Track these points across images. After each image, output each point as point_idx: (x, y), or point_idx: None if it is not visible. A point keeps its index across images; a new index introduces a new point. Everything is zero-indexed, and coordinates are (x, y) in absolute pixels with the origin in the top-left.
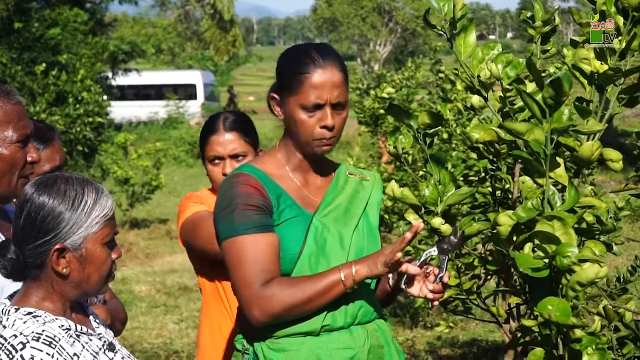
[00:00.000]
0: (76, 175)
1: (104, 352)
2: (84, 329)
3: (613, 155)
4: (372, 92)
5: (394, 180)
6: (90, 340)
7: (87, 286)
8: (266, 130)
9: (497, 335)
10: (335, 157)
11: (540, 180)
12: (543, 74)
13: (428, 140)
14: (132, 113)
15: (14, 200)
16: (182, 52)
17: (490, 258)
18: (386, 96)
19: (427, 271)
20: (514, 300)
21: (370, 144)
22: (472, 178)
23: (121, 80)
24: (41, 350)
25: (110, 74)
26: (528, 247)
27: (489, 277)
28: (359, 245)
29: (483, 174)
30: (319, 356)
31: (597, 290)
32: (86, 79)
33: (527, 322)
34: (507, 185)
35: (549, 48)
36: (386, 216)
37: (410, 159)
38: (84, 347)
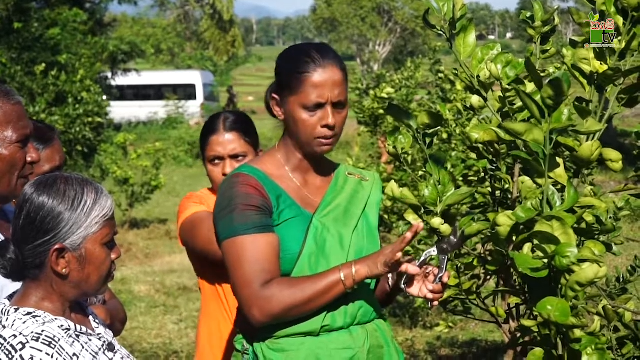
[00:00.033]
0: (76, 175)
1: (104, 352)
2: (84, 329)
3: (613, 155)
4: (371, 92)
5: (393, 181)
6: (90, 340)
7: (87, 286)
8: (266, 131)
9: (497, 335)
10: (335, 157)
11: (539, 181)
12: (543, 74)
13: (427, 141)
14: (132, 113)
15: (14, 200)
16: (182, 53)
17: (489, 258)
18: (385, 96)
19: (427, 271)
20: (513, 300)
21: (369, 144)
22: (471, 178)
23: (121, 80)
24: (41, 351)
25: (109, 74)
26: (527, 247)
27: (488, 277)
28: (358, 245)
29: (482, 174)
30: (319, 356)
31: (596, 291)
32: (86, 79)
33: (527, 322)
34: (507, 186)
35: (549, 48)
36: (386, 216)
37: (409, 159)
38: (83, 347)
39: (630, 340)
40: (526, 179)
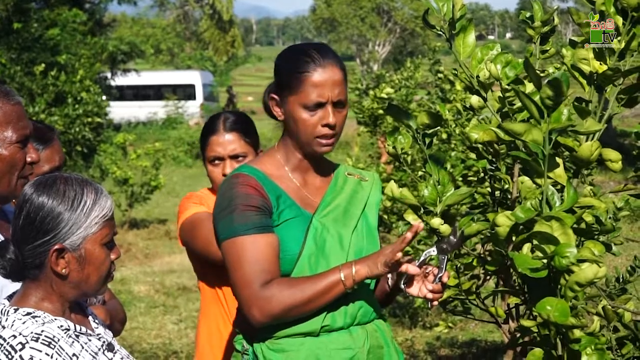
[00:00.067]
0: (75, 175)
1: (103, 353)
2: (83, 329)
3: (612, 155)
4: (371, 92)
5: (393, 181)
6: (90, 340)
7: (86, 286)
8: (265, 131)
9: (496, 335)
10: (335, 157)
11: (539, 181)
12: (542, 75)
13: (427, 141)
14: (131, 113)
15: (13, 200)
16: (181, 53)
17: (489, 258)
18: (385, 96)
19: (427, 271)
20: (513, 300)
21: (369, 144)
22: (471, 178)
23: (120, 80)
24: (40, 351)
25: (109, 75)
26: (527, 247)
27: (488, 277)
28: (358, 245)
29: (482, 174)
30: (319, 356)
31: (596, 291)
32: (85, 79)
33: (526, 323)
34: (506, 186)
35: (548, 48)
36: (385, 216)
37: (409, 159)
38: (83, 348)
39: (630, 341)
40: (526, 179)
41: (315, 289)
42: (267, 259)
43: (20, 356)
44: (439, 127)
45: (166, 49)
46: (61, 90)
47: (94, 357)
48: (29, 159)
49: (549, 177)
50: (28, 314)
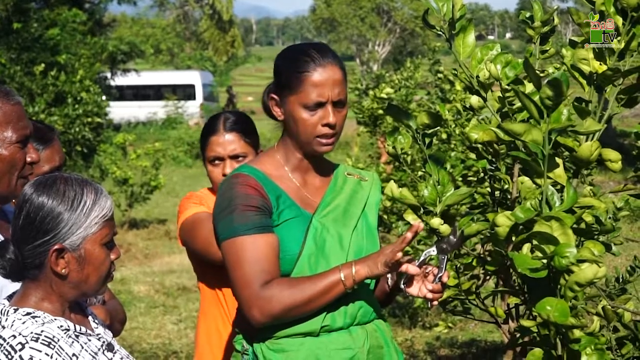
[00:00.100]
0: (75, 175)
1: (103, 353)
2: (83, 329)
3: (612, 155)
4: (370, 92)
5: (392, 181)
6: (89, 340)
7: (86, 287)
8: (265, 131)
9: (496, 335)
10: (334, 157)
11: (538, 181)
12: (542, 75)
13: (427, 141)
14: (131, 113)
15: (13, 200)
16: (181, 53)
17: (489, 258)
18: (385, 96)
19: (426, 271)
20: (512, 300)
21: (369, 144)
22: (471, 178)
23: (120, 80)
24: (40, 351)
25: (109, 75)
26: (526, 247)
27: (487, 277)
28: (358, 245)
29: (482, 174)
30: (319, 356)
31: (596, 291)
32: (85, 79)
33: (526, 323)
34: (506, 186)
35: (548, 48)
36: (385, 216)
37: (409, 159)
38: (82, 348)
39: (630, 341)
40: (525, 179)
41: (315, 289)
42: (267, 259)
43: (20, 356)
44: (438, 127)
45: (166, 49)
46: (61, 90)
47: (93, 357)
48: (29, 159)
49: (548, 177)
50: (28, 314)
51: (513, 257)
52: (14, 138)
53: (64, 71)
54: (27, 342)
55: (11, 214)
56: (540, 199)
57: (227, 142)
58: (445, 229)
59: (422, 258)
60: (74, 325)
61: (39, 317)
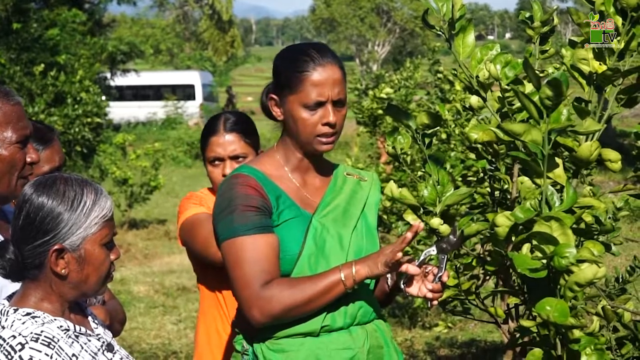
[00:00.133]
0: (75, 176)
1: (103, 353)
2: (83, 329)
3: (612, 155)
4: (370, 92)
5: (392, 181)
6: (89, 340)
7: (86, 287)
8: (265, 131)
9: (496, 335)
10: (334, 157)
11: (538, 181)
12: (541, 75)
13: (427, 141)
14: (131, 113)
15: (13, 201)
16: (181, 53)
17: (488, 258)
18: (385, 96)
19: (426, 271)
20: (512, 300)
21: (368, 145)
22: (470, 178)
23: (120, 80)
24: (40, 351)
25: (108, 75)
26: (526, 247)
27: (487, 277)
28: (357, 245)
29: (482, 175)
30: (319, 357)
31: (595, 291)
32: (85, 79)
33: (526, 323)
34: (506, 186)
35: (548, 48)
36: (385, 216)
37: (408, 159)
38: (82, 348)
39: (629, 341)
40: (525, 179)
41: (315, 289)
42: (267, 259)
43: (20, 356)
44: (438, 127)
45: (165, 49)
46: (60, 91)
47: (93, 357)
48: (28, 159)
49: (548, 177)
50: (27, 314)
51: (513, 257)
52: (14, 138)
53: (64, 71)
54: (27, 343)
55: (11, 214)
56: (539, 199)
57: (227, 142)
58: (445, 229)
59: (422, 258)
60: (74, 326)
61: (39, 317)
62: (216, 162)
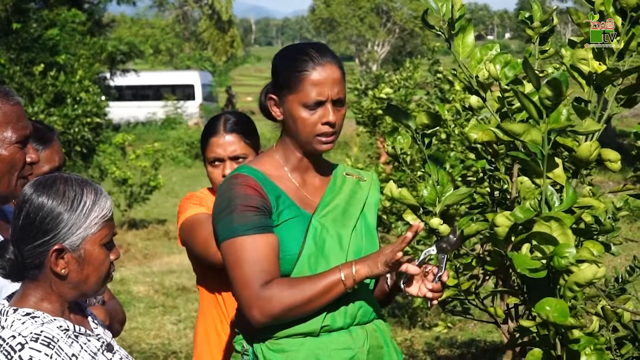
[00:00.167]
0: (75, 176)
1: (103, 353)
2: (83, 329)
3: (611, 155)
4: (370, 92)
5: (392, 181)
6: (89, 340)
7: (86, 287)
8: (265, 131)
9: (496, 335)
10: (334, 157)
11: (538, 181)
12: (541, 75)
13: (426, 141)
14: (130, 113)
15: (13, 201)
16: (180, 53)
17: (488, 258)
18: (384, 96)
19: (426, 270)
20: (512, 300)
21: (368, 145)
22: (470, 178)
23: (119, 80)
24: (40, 351)
25: (108, 75)
26: (526, 247)
27: (487, 277)
28: (357, 245)
29: (481, 175)
30: (319, 356)
31: (595, 291)
32: (84, 79)
33: (525, 323)
34: (505, 186)
35: (547, 48)
36: (384, 216)
37: (408, 159)
38: (82, 348)
39: (629, 341)
40: (525, 179)
41: (315, 289)
42: (267, 259)
43: (20, 356)
44: (438, 127)
45: (165, 49)
46: (60, 91)
47: (93, 357)
48: (28, 159)
49: (548, 177)
50: (27, 314)
51: (512, 257)
52: (14, 138)
53: (63, 71)
54: (26, 343)
55: (11, 214)
56: (539, 199)
57: (227, 143)
58: (444, 229)
59: (421, 257)
60: (74, 326)
61: (39, 317)
62: (216, 163)
